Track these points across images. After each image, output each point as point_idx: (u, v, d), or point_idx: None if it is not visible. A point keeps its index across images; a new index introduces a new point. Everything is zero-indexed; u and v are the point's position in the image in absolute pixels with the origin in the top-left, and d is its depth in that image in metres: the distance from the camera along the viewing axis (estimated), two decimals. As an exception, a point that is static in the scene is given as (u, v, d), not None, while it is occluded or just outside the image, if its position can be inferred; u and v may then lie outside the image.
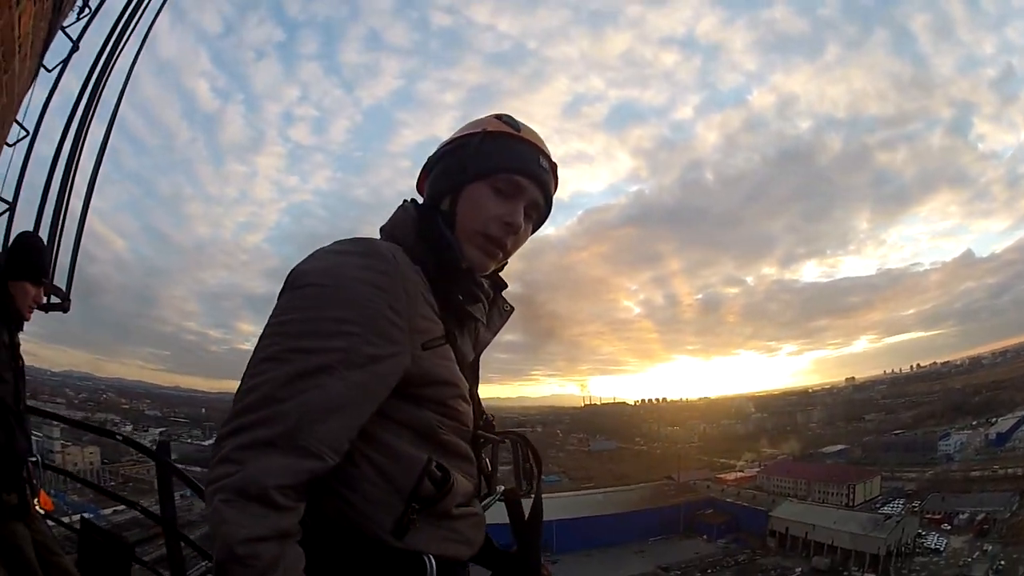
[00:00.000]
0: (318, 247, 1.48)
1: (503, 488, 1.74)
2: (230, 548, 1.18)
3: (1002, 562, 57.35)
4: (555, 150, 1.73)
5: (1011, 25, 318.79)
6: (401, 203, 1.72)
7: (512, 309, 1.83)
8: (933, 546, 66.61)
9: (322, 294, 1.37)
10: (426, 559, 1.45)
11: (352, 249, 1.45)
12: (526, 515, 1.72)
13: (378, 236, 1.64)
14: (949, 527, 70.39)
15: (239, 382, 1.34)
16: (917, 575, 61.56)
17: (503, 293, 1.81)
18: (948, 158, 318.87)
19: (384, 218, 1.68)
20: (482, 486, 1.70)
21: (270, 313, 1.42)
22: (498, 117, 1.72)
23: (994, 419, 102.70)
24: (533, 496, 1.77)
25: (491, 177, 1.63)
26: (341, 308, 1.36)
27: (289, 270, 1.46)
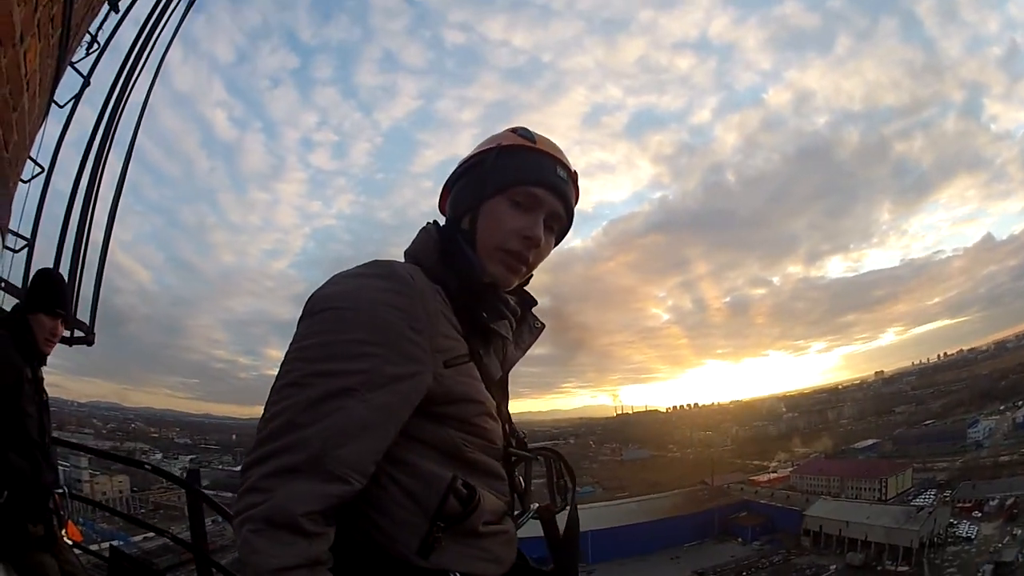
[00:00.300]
0: (344, 268, 1.51)
1: (537, 505, 1.73)
2: None
3: (1032, 545, 56.02)
4: (576, 161, 1.75)
5: (1012, 1, 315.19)
6: (424, 225, 1.72)
7: (543, 326, 1.81)
8: (965, 535, 65.65)
9: (341, 317, 1.37)
10: None
11: (370, 272, 1.45)
12: (561, 531, 1.73)
13: (402, 259, 1.65)
14: (980, 514, 69.35)
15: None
16: (950, 565, 60.55)
17: (533, 310, 1.80)
18: (963, 142, 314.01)
19: (408, 238, 1.71)
20: (515, 504, 1.68)
21: (292, 339, 1.42)
22: (513, 131, 1.73)
23: (1020, 402, 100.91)
24: (568, 511, 1.76)
25: (509, 191, 1.62)
26: (361, 330, 1.35)
27: (313, 288, 1.49)
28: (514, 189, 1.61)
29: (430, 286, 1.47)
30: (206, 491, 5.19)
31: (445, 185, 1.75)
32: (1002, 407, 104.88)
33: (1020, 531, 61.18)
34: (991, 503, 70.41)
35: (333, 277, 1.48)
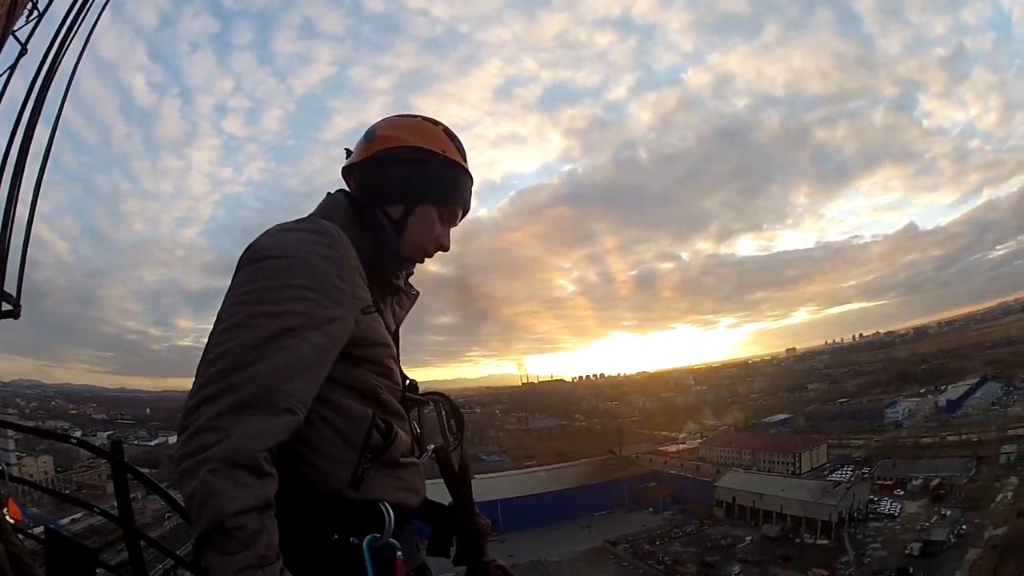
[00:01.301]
0: (252, 238, 1.60)
1: (432, 446, 1.92)
2: (220, 521, 1.24)
3: (964, 527, 57.89)
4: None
5: (966, 6, 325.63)
6: (329, 192, 1.91)
7: (418, 293, 2.02)
8: (887, 511, 67.36)
9: (279, 265, 1.50)
10: (382, 506, 1.62)
11: (302, 227, 1.63)
12: (456, 469, 1.97)
13: None
14: (902, 492, 71.36)
15: (185, 377, 1.43)
16: (873, 540, 61.77)
17: (410, 280, 2.02)
18: (891, 135, 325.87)
19: (317, 205, 1.86)
20: (413, 447, 1.83)
21: (228, 289, 1.54)
22: (450, 136, 1.92)
23: (943, 387, 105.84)
24: (460, 449, 1.99)
25: (443, 206, 1.88)
26: (297, 276, 1.50)
27: (225, 260, 1.59)
28: (446, 207, 1.90)
29: (349, 243, 1.64)
30: (125, 465, 4.79)
31: (368, 158, 1.87)
32: (922, 390, 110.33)
33: (949, 511, 62.92)
34: (914, 482, 72.68)
35: (268, 231, 1.64)
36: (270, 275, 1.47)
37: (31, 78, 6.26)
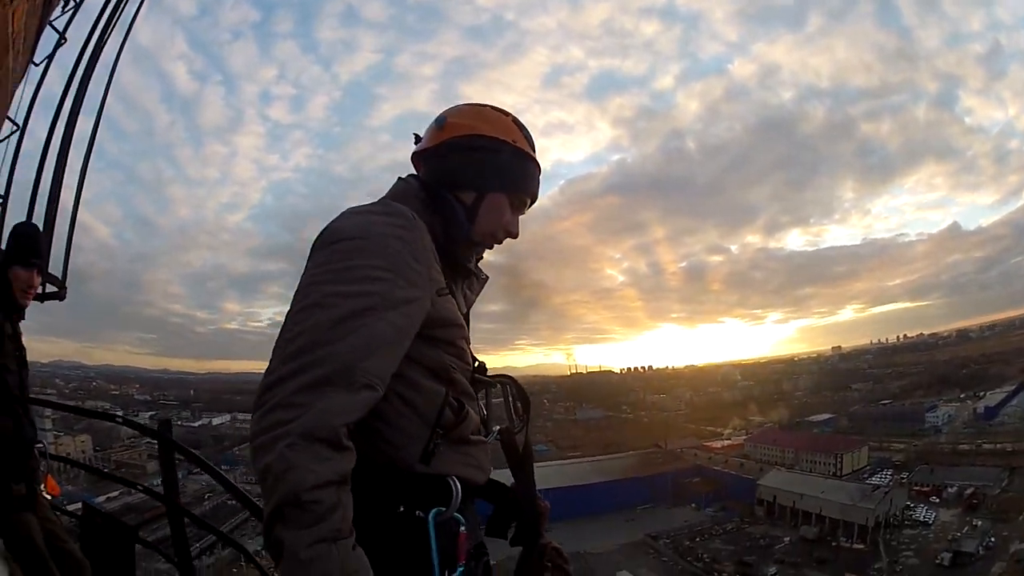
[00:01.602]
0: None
1: (497, 428, 1.94)
2: (296, 494, 1.25)
3: (992, 539, 57.83)
4: (535, 120, 1.18)
5: (999, 2, 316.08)
6: (401, 177, 1.94)
7: (487, 278, 2.05)
8: (922, 518, 67.25)
9: (356, 247, 1.54)
10: (451, 481, 1.66)
11: (379, 209, 1.67)
12: (520, 451, 1.95)
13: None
14: (938, 500, 71.02)
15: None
16: (906, 547, 61.97)
17: (480, 264, 2.05)
18: (934, 131, 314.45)
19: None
20: (480, 427, 1.85)
21: (304, 270, 1.58)
22: (518, 125, 1.95)
23: (982, 393, 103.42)
24: (524, 432, 1.98)
25: (513, 194, 1.92)
26: (374, 258, 1.53)
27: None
28: (516, 195, 1.93)
29: (423, 226, 1.68)
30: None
31: (441, 143, 1.89)
32: (962, 395, 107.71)
33: (980, 522, 62.72)
34: (949, 490, 72.20)
35: (344, 213, 1.69)
36: (346, 256, 1.53)
37: (70, 67, 7.03)
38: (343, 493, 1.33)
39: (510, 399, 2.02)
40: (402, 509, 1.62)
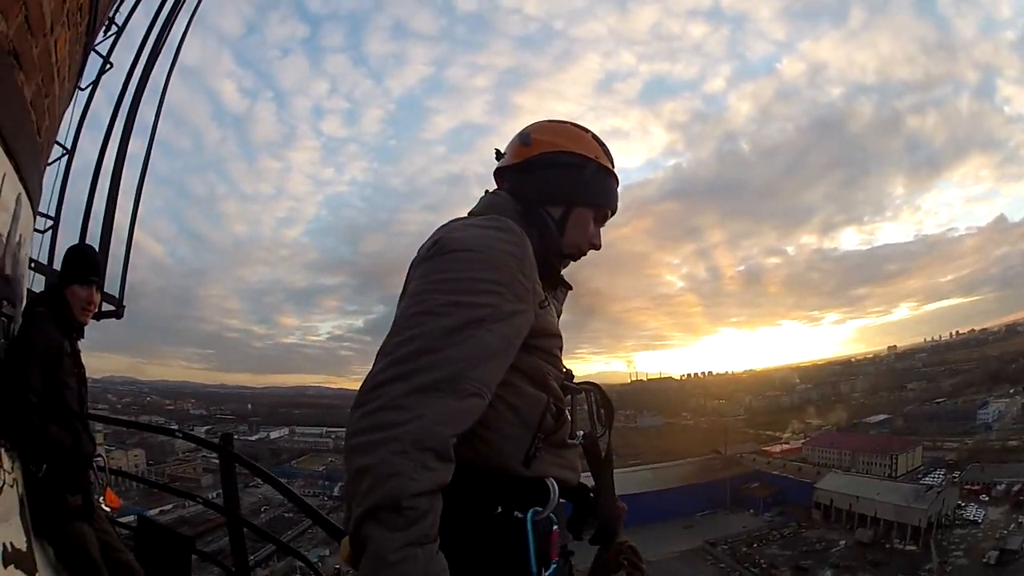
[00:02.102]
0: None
1: (582, 432, 1.97)
2: (396, 500, 1.27)
3: (1037, 534, 56.45)
4: (589, 127, 2.07)
5: None
6: (489, 191, 2.05)
7: (571, 287, 2.09)
8: (972, 517, 66.55)
9: (471, 258, 1.60)
10: (549, 483, 1.72)
11: (491, 224, 1.71)
12: (602, 455, 2.01)
13: (458, 218, 1.88)
14: (987, 498, 69.91)
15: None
16: (956, 547, 61.45)
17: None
18: (976, 122, 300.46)
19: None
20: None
21: (416, 275, 1.66)
22: (598, 141, 2.05)
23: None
24: (607, 438, 2.02)
25: (597, 208, 2.01)
26: (487, 271, 1.58)
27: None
28: (600, 209, 2.03)
29: (529, 242, 1.73)
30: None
31: (527, 157, 1.98)
32: (1012, 390, 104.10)
33: (1026, 519, 61.52)
34: (998, 487, 70.95)
35: (455, 224, 1.75)
36: (463, 267, 1.55)
37: (118, 90, 6.90)
38: (436, 501, 1.34)
39: (594, 405, 2.04)
40: (500, 510, 1.65)
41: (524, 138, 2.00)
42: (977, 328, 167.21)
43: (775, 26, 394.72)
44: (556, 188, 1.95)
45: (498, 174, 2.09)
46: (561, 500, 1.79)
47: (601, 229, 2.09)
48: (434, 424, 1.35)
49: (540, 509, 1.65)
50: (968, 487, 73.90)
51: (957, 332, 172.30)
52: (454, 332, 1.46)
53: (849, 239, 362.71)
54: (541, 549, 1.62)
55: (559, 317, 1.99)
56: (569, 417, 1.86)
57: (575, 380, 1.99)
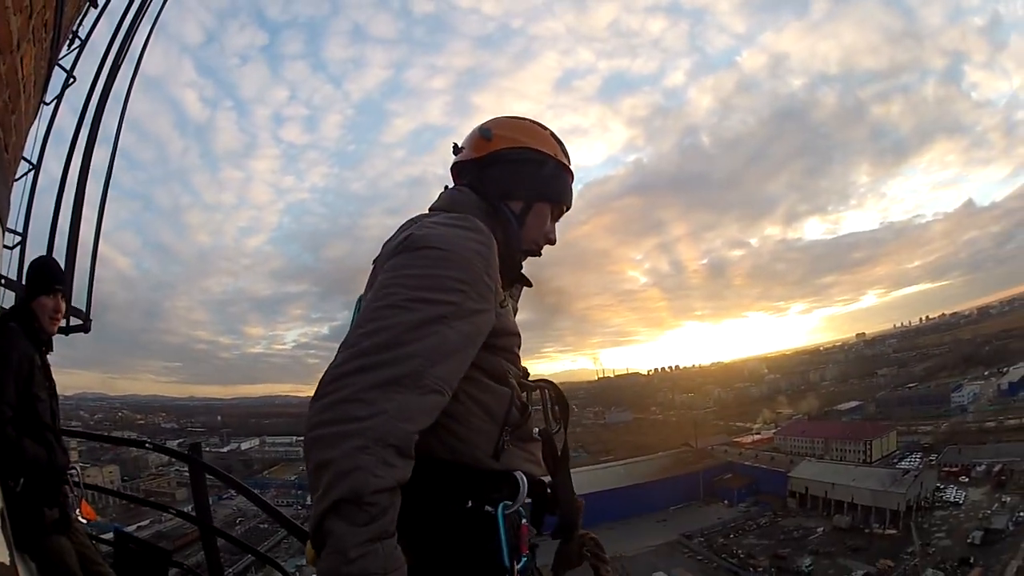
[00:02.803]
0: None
1: (537, 429, 2.01)
2: (359, 495, 1.28)
3: (1021, 513, 57.52)
4: (549, 125, 2.13)
5: None
6: (449, 187, 2.09)
7: (530, 284, 2.15)
8: (952, 499, 66.84)
9: (440, 257, 1.61)
10: (518, 476, 1.77)
11: (461, 223, 1.74)
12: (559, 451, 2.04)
13: (419, 215, 1.91)
14: (967, 479, 70.47)
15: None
16: (938, 529, 61.64)
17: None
18: (943, 108, 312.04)
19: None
20: None
21: (383, 268, 1.67)
22: (556, 139, 2.10)
23: (1005, 368, 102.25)
24: (563, 432, 2.07)
25: (555, 204, 2.07)
26: (455, 269, 1.60)
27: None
28: (558, 205, 2.08)
29: (494, 242, 1.74)
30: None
31: (488, 152, 1.99)
32: (986, 372, 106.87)
33: (1009, 498, 62.35)
34: (978, 468, 71.73)
35: (424, 222, 1.75)
36: (431, 264, 1.59)
37: (81, 103, 6.96)
38: (396, 497, 1.37)
39: (549, 402, 2.10)
40: (470, 504, 1.71)
41: (485, 133, 2.02)
42: (948, 312, 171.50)
43: (735, 19, 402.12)
44: (517, 184, 1.99)
45: (455, 168, 2.11)
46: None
47: (557, 225, 2.14)
48: (397, 420, 1.37)
49: (510, 503, 1.72)
50: (947, 469, 74.46)
51: (927, 317, 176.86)
52: (418, 328, 1.50)
53: (814, 228, 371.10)
54: (512, 542, 1.70)
55: (516, 314, 2.06)
56: (531, 411, 1.93)
57: (531, 378, 2.04)
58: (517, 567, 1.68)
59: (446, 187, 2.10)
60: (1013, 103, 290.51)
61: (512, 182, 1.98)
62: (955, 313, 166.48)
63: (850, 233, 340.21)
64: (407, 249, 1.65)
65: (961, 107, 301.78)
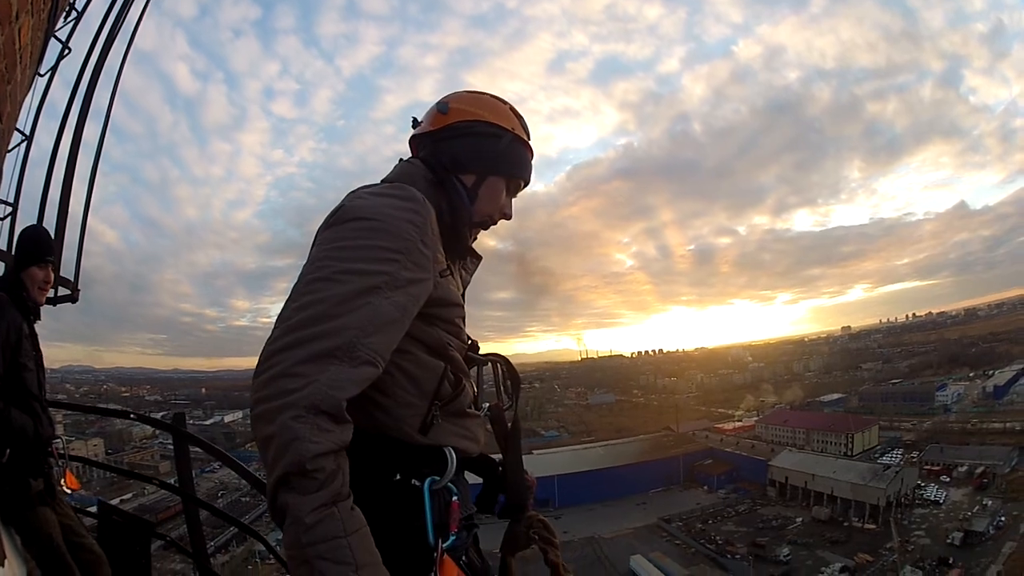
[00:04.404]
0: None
1: (487, 404, 2.03)
2: (301, 464, 1.29)
3: (1002, 518, 57.86)
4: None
5: None
6: (403, 159, 2.06)
7: (481, 258, 2.14)
8: (933, 498, 67.31)
9: (371, 227, 1.60)
10: (447, 451, 1.76)
11: (393, 192, 1.73)
12: (509, 427, 2.05)
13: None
14: (948, 479, 70.94)
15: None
16: (918, 527, 62.07)
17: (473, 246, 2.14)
18: (940, 110, 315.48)
19: (369, 183, 1.88)
20: (473, 402, 1.96)
21: (315, 243, 1.66)
22: (515, 113, 2.08)
23: (991, 371, 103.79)
24: (513, 409, 2.06)
25: (510, 178, 2.05)
26: (387, 239, 1.59)
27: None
28: (513, 179, 2.07)
29: (432, 210, 1.76)
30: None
31: (444, 125, 2.01)
32: (971, 374, 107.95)
33: (990, 502, 62.79)
34: (960, 469, 72.22)
35: (359, 193, 1.77)
36: (361, 235, 1.59)
37: (75, 75, 6.94)
38: (342, 460, 1.38)
39: (501, 377, 2.12)
40: (398, 478, 1.73)
41: (442, 107, 2.04)
42: (935, 311, 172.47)
43: (732, 9, 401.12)
44: (470, 156, 1.99)
45: (413, 141, 2.11)
46: (466, 472, 1.95)
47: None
48: (327, 388, 1.38)
49: (438, 478, 1.74)
50: (928, 467, 75.16)
51: (914, 315, 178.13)
52: (350, 299, 1.50)
53: (803, 220, 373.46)
54: (439, 519, 1.71)
55: (466, 287, 2.10)
56: (470, 387, 1.92)
57: (482, 353, 2.08)
58: (443, 545, 1.66)
59: (401, 159, 2.07)
60: (1011, 110, 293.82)
61: (464, 155, 1.97)
62: (942, 313, 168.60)
63: (839, 227, 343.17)
64: (338, 221, 1.65)
65: (958, 110, 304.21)
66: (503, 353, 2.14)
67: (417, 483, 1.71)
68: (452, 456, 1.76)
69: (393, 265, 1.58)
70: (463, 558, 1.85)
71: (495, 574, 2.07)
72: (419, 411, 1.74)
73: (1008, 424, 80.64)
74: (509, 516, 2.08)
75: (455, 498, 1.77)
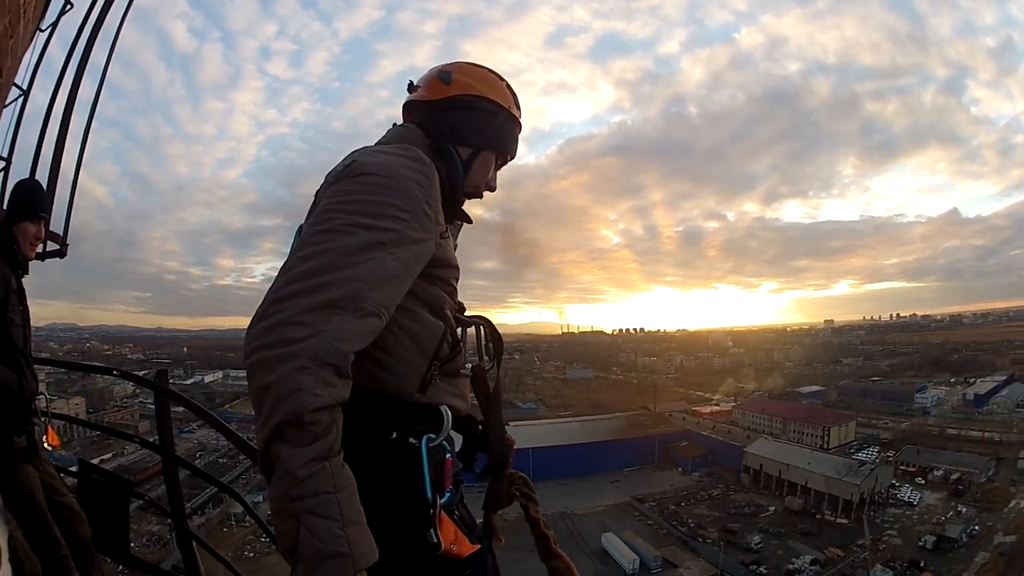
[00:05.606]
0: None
1: (470, 364, 2.08)
2: (299, 415, 1.32)
3: (976, 527, 58.48)
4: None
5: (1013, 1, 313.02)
6: (398, 124, 2.11)
7: (471, 221, 2.20)
8: (907, 499, 68.06)
9: (380, 183, 1.65)
10: (443, 410, 1.80)
11: (402, 152, 1.78)
12: (491, 388, 2.11)
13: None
14: (923, 481, 71.75)
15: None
16: (890, 526, 62.84)
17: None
18: (940, 116, 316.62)
19: (361, 146, 1.91)
20: None
21: (324, 195, 1.69)
22: (511, 91, 2.14)
23: (973, 379, 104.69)
24: (496, 369, 2.14)
25: (500, 154, 2.14)
26: (394, 196, 1.64)
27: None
28: (504, 154, 2.16)
29: (436, 174, 1.81)
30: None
31: (446, 96, 2.04)
32: (952, 379, 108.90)
33: (965, 509, 63.49)
34: (935, 472, 73.05)
35: (368, 150, 1.84)
36: (371, 190, 1.62)
37: (74, 32, 6.84)
38: (337, 415, 1.40)
39: (484, 339, 2.14)
40: (395, 436, 1.73)
41: (444, 76, 2.07)
42: (920, 313, 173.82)
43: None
44: (468, 130, 2.05)
45: (408, 106, 2.15)
46: (452, 430, 1.92)
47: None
48: (334, 340, 1.40)
49: (434, 436, 1.76)
50: (904, 468, 75.96)
51: (898, 315, 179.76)
52: (356, 252, 1.53)
53: (793, 211, 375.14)
54: (436, 476, 1.73)
55: (456, 249, 2.12)
56: (462, 346, 2.00)
57: (467, 314, 2.11)
58: (440, 501, 1.70)
59: (394, 124, 2.12)
60: (1013, 126, 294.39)
61: (464, 128, 2.03)
62: (927, 316, 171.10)
63: (829, 220, 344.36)
64: (349, 175, 1.68)
65: (959, 119, 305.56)
66: None
67: (414, 442, 1.72)
68: (447, 415, 1.79)
69: (400, 223, 1.62)
70: (456, 513, 1.89)
71: (480, 529, 2.07)
72: (419, 370, 1.78)
73: (987, 433, 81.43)
74: (491, 474, 2.17)
75: (449, 455, 1.80)
